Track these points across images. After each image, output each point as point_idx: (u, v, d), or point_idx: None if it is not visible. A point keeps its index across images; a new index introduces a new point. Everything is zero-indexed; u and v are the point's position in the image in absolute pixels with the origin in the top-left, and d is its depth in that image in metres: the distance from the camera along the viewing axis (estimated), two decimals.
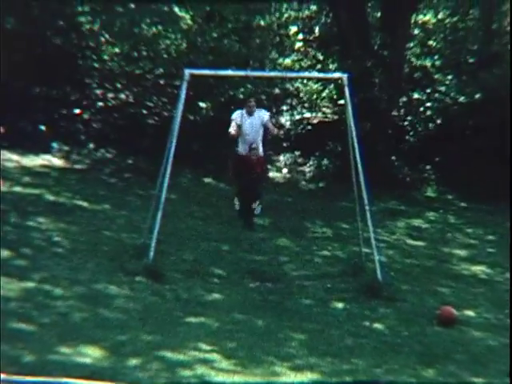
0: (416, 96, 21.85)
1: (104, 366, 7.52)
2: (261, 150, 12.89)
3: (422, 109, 21.69)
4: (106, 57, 21.29)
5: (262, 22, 22.25)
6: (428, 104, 21.72)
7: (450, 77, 22.00)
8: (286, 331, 9.53)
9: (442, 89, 21.77)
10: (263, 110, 13.03)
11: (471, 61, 22.01)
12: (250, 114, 12.67)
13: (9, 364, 7.07)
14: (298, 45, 23.18)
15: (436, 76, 22.12)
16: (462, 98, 21.01)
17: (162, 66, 20.84)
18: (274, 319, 9.91)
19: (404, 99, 21.76)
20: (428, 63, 22.41)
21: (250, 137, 12.73)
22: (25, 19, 19.93)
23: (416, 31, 22.97)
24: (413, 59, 22.45)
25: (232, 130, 12.59)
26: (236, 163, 12.93)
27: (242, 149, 12.84)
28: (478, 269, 13.51)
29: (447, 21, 23.26)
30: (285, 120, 22.42)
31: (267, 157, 12.91)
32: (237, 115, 12.69)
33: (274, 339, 9.16)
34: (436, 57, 22.61)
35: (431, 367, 8.74)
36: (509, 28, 20.69)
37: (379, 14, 21.55)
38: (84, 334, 8.35)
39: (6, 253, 10.85)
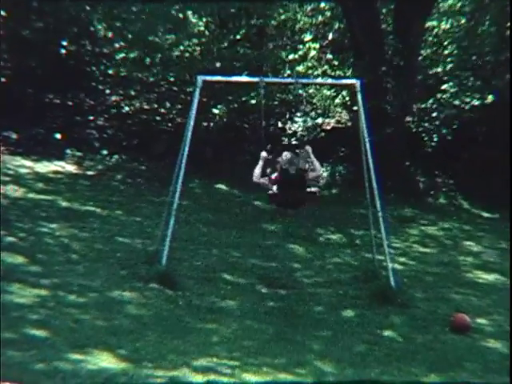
0: (429, 102, 21.75)
1: (117, 373, 7.53)
2: None
3: (434, 115, 21.60)
4: (119, 63, 21.35)
5: (276, 27, 22.28)
6: (440, 109, 21.63)
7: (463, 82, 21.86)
8: (297, 338, 9.52)
9: (456, 89, 21.59)
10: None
11: (484, 66, 21.84)
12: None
13: (21, 371, 7.08)
14: (312, 51, 23.11)
15: (448, 82, 21.97)
16: (474, 101, 20.86)
17: (175, 72, 20.88)
18: (286, 326, 9.90)
19: (420, 105, 21.68)
20: (440, 69, 22.27)
21: None
22: (39, 26, 20.07)
23: (430, 38, 22.86)
24: (426, 65, 22.34)
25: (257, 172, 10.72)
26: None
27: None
28: (491, 276, 13.45)
29: (461, 24, 23.06)
30: (298, 126, 22.38)
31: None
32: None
33: (286, 346, 9.15)
34: (449, 60, 22.44)
35: (444, 375, 8.71)
36: None
37: (392, 21, 21.47)
38: (97, 341, 8.37)
39: (19, 259, 10.90)
